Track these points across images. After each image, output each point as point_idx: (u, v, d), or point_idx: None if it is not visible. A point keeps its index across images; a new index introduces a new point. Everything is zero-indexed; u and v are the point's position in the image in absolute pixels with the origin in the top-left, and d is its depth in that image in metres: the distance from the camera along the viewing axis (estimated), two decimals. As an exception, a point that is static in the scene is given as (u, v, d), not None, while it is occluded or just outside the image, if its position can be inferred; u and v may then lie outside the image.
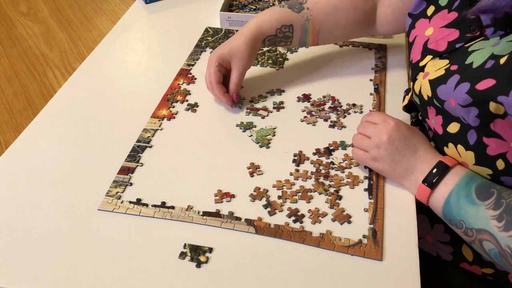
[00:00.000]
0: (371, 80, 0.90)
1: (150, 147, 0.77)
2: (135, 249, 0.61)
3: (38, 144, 0.78)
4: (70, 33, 2.35)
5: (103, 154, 0.75)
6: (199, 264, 0.60)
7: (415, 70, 0.71)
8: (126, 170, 0.72)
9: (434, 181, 0.63)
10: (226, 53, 0.81)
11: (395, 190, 0.69)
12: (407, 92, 0.77)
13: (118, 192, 0.69)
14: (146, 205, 0.67)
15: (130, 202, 0.68)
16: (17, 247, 0.62)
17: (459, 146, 0.64)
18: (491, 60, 0.56)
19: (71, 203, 0.68)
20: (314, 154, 0.75)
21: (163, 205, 0.67)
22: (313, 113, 0.83)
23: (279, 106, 0.84)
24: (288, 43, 0.87)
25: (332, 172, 0.72)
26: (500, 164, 0.61)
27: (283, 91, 0.88)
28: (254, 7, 1.12)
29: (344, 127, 0.80)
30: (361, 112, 0.83)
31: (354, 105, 0.84)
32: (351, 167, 0.72)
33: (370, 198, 0.68)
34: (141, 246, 0.62)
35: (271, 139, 0.77)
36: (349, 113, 0.83)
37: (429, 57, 0.68)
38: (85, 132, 0.80)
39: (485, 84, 0.55)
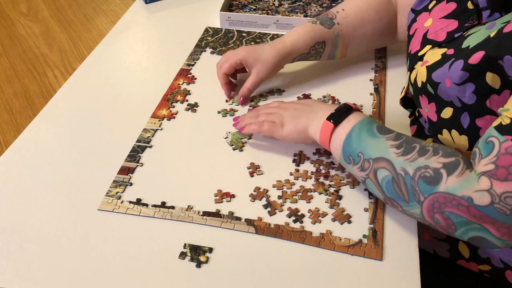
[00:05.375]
0: (371, 80, 0.90)
1: (150, 147, 0.77)
2: (135, 249, 0.61)
3: (38, 144, 0.78)
4: (70, 33, 2.35)
5: (103, 154, 0.75)
6: (199, 264, 0.60)
7: (413, 60, 0.72)
8: (126, 170, 0.72)
9: (338, 118, 0.65)
10: (252, 59, 0.83)
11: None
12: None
13: (118, 192, 0.69)
14: (146, 205, 0.67)
15: (130, 202, 0.68)
16: (17, 247, 0.62)
17: (453, 131, 0.65)
18: (484, 40, 0.58)
19: (71, 203, 0.68)
20: (314, 154, 0.75)
21: (163, 205, 0.67)
22: (313, 113, 0.83)
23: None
24: (318, 58, 0.88)
25: (332, 172, 0.72)
26: None
27: (283, 91, 0.88)
28: (254, 7, 1.12)
29: (344, 127, 0.80)
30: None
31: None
32: (351, 167, 0.72)
33: (370, 198, 0.68)
34: (141, 246, 0.62)
35: (245, 142, 0.77)
36: (349, 113, 0.83)
37: (428, 46, 0.69)
38: (85, 132, 0.80)
39: (477, 56, 0.56)
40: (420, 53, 0.70)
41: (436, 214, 0.55)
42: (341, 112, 0.66)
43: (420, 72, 0.67)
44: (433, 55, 0.66)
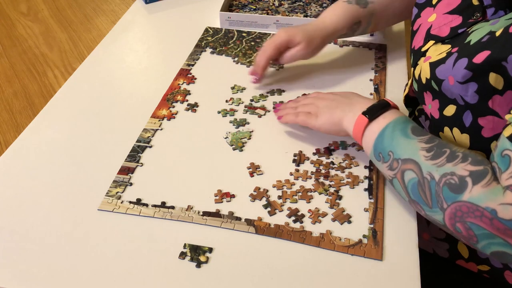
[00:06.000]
0: (371, 80, 0.90)
1: (150, 147, 0.77)
2: (135, 249, 0.61)
3: (38, 144, 0.78)
4: (70, 33, 2.35)
5: (103, 154, 0.75)
6: (199, 264, 0.60)
7: (416, 56, 0.71)
8: (126, 170, 0.72)
9: (374, 113, 0.65)
10: (300, 37, 0.83)
11: (395, 190, 0.69)
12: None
13: (118, 192, 0.69)
14: (146, 205, 0.67)
15: (130, 202, 0.68)
16: (17, 247, 0.62)
17: (455, 129, 0.64)
18: (487, 35, 0.58)
19: (71, 203, 0.68)
20: (314, 154, 0.75)
21: (163, 205, 0.67)
22: (313, 113, 0.83)
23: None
24: (348, 36, 0.90)
25: (332, 172, 0.72)
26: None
27: (283, 91, 0.88)
28: (254, 7, 1.12)
29: (344, 127, 0.80)
30: (361, 112, 0.83)
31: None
32: (351, 167, 0.72)
33: (370, 198, 0.68)
34: (141, 246, 0.62)
35: (245, 142, 0.77)
36: (349, 113, 0.83)
37: (431, 42, 0.68)
38: (85, 132, 0.80)
39: (482, 56, 0.56)
40: (423, 49, 0.69)
41: (458, 223, 0.54)
42: (378, 108, 0.66)
43: (424, 69, 0.67)
44: (436, 51, 0.66)
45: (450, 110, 0.64)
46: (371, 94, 0.86)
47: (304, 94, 0.84)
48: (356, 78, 0.91)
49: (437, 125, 0.68)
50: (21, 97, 1.98)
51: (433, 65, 0.64)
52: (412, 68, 0.72)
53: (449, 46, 0.65)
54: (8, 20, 2.46)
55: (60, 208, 0.67)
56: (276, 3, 1.14)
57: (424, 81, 0.67)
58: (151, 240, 0.63)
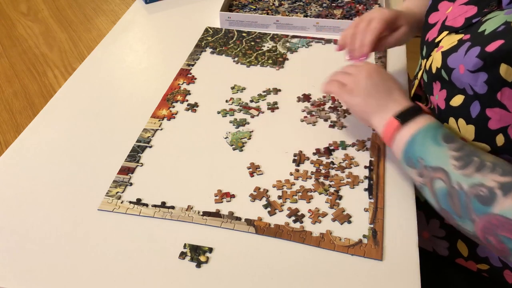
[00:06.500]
0: (371, 80, 0.90)
1: (150, 147, 0.77)
2: (135, 249, 0.61)
3: (38, 144, 0.78)
4: (70, 33, 2.35)
5: (103, 154, 0.75)
6: (199, 264, 0.60)
7: (429, 47, 0.71)
8: (126, 170, 0.72)
9: (406, 118, 0.64)
10: (403, 18, 0.79)
11: (395, 190, 0.69)
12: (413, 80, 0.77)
13: (118, 192, 0.69)
14: (146, 205, 0.67)
15: (130, 202, 0.68)
16: (17, 247, 0.62)
17: (460, 120, 0.64)
18: (503, 25, 0.57)
19: (71, 203, 0.68)
20: (314, 154, 0.75)
21: (163, 205, 0.67)
22: (313, 113, 0.83)
23: (273, 107, 0.84)
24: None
25: (332, 172, 0.72)
26: (500, 140, 0.61)
27: (279, 90, 0.88)
28: (254, 7, 1.12)
29: (344, 127, 0.80)
30: (361, 112, 0.83)
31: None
32: (351, 167, 0.72)
33: (370, 198, 0.68)
34: (141, 246, 0.62)
35: (245, 142, 0.77)
36: (349, 113, 0.83)
37: (445, 32, 0.68)
38: (85, 132, 0.80)
39: (495, 45, 0.55)
40: (436, 40, 0.69)
41: (490, 236, 0.53)
42: (410, 112, 0.64)
43: (436, 58, 0.66)
44: (449, 40, 0.66)
45: (457, 100, 0.64)
46: (371, 94, 0.86)
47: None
48: (356, 78, 0.91)
49: (442, 116, 0.67)
50: (21, 97, 1.98)
51: (445, 54, 0.64)
52: (425, 60, 0.71)
53: (462, 35, 0.64)
54: (8, 20, 2.46)
55: (60, 208, 0.67)
56: (276, 3, 1.14)
57: (434, 70, 0.66)
58: (151, 240, 0.63)
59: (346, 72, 0.73)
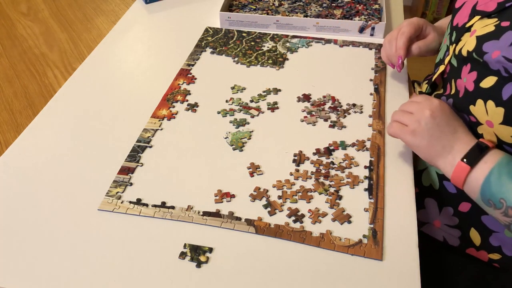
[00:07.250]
0: (371, 80, 0.90)
1: (150, 147, 0.77)
2: (135, 249, 0.61)
3: (38, 144, 0.78)
4: (70, 33, 2.34)
5: (103, 154, 0.75)
6: (199, 264, 0.60)
7: (460, 32, 0.70)
8: (126, 170, 0.72)
9: (474, 159, 0.62)
10: (431, 27, 0.84)
11: (395, 190, 0.69)
12: (429, 78, 0.77)
13: (118, 192, 0.69)
14: (146, 205, 0.67)
15: (130, 202, 0.68)
16: (17, 247, 0.62)
17: (489, 102, 0.63)
18: None
19: (71, 203, 0.68)
20: (314, 154, 0.75)
21: (163, 205, 0.67)
22: (313, 113, 0.83)
23: (273, 107, 0.84)
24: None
25: (332, 172, 0.72)
26: None
27: (279, 90, 0.88)
28: (254, 7, 1.12)
29: (344, 127, 0.80)
30: (361, 112, 0.83)
31: (354, 105, 0.84)
32: (351, 167, 0.72)
33: (370, 198, 0.68)
34: (141, 246, 0.62)
35: (245, 142, 0.77)
36: (349, 113, 0.83)
37: (477, 17, 0.67)
38: (85, 132, 0.80)
39: None
40: (467, 25, 0.68)
41: None
42: (477, 152, 0.63)
43: (469, 42, 0.65)
44: (481, 24, 0.65)
45: (488, 82, 0.63)
46: (371, 94, 0.87)
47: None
48: (356, 78, 0.91)
49: (469, 98, 0.66)
50: (21, 97, 1.97)
51: (480, 39, 0.63)
52: (453, 45, 0.70)
53: (496, 19, 0.63)
54: (8, 20, 2.46)
55: (60, 208, 0.67)
56: (276, 3, 1.14)
57: (465, 53, 0.65)
58: (151, 240, 0.63)
59: (406, 111, 0.70)
